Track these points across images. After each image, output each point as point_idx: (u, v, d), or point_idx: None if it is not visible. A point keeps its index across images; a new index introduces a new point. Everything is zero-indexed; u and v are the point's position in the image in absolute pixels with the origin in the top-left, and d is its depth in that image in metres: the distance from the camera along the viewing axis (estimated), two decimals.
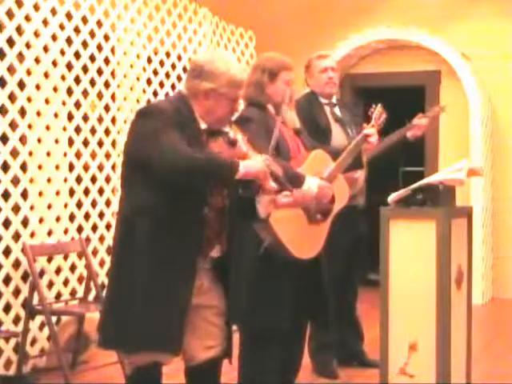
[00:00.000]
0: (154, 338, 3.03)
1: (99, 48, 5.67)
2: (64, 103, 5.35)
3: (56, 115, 5.30)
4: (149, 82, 6.20)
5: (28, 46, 5.06)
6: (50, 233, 5.21)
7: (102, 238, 5.65)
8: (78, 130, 5.47)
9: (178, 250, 3.04)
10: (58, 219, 5.28)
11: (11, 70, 4.92)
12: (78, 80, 5.45)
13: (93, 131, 5.60)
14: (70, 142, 5.43)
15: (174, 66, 6.50)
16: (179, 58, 6.57)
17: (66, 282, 5.29)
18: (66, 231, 5.32)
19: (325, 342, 4.85)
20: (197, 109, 3.13)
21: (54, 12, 5.26)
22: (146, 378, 3.14)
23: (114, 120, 5.81)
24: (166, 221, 3.02)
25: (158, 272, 3.03)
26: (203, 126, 3.14)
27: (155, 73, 6.28)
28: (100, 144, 5.65)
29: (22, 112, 5.04)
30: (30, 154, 5.09)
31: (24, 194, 5.03)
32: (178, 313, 3.05)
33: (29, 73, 5.07)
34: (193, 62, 3.25)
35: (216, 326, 3.23)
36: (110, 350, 3.25)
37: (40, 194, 5.17)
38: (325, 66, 4.79)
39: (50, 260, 5.17)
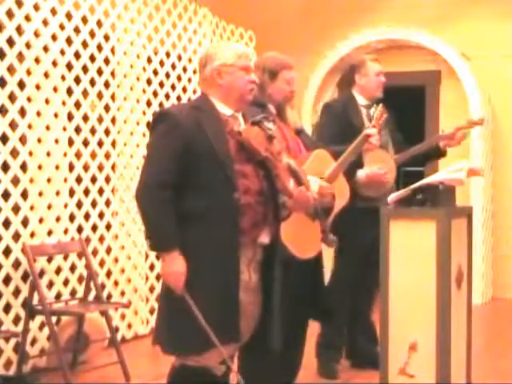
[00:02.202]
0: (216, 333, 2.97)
1: (99, 48, 5.67)
2: (64, 103, 5.35)
3: (56, 115, 5.29)
4: (149, 81, 6.20)
5: (28, 45, 5.05)
6: (50, 233, 5.21)
7: (101, 238, 5.65)
8: (78, 129, 5.47)
9: (214, 239, 3.01)
10: (58, 219, 5.27)
11: (11, 70, 4.92)
12: (78, 80, 5.45)
13: (93, 131, 5.60)
14: (70, 141, 5.42)
15: (174, 66, 6.50)
16: (179, 57, 6.56)
17: (66, 282, 5.29)
18: (66, 231, 5.31)
19: (333, 341, 4.85)
20: (217, 95, 3.17)
21: (54, 12, 5.26)
22: (193, 373, 3.08)
23: (113, 120, 5.81)
24: (195, 213, 3.00)
25: (198, 266, 3.00)
26: (229, 111, 3.16)
27: (155, 73, 6.28)
28: (100, 144, 5.65)
29: (22, 112, 5.03)
30: (30, 154, 5.09)
31: (24, 194, 5.03)
32: (228, 299, 3.01)
33: (29, 73, 5.07)
34: (198, 61, 3.31)
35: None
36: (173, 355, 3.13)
37: (40, 194, 5.16)
38: (379, 70, 4.91)
39: (50, 260, 5.17)
